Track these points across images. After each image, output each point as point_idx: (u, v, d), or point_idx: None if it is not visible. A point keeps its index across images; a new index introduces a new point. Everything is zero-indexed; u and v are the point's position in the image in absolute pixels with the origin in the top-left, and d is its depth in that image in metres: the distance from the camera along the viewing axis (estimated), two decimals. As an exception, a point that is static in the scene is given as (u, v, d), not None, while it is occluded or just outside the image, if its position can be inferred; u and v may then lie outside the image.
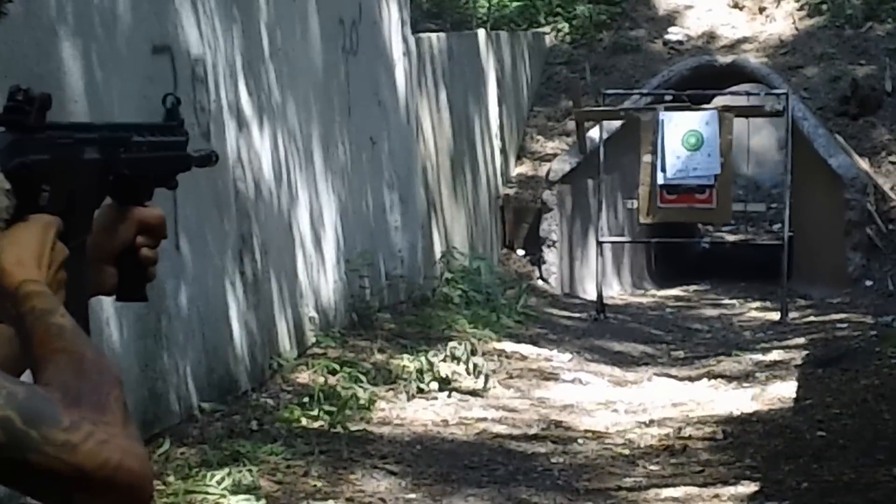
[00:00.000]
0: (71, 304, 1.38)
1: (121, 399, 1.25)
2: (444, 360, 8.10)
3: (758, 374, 8.76)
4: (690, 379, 8.79)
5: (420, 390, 7.60)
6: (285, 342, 7.62)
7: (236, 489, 5.44)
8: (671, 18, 15.27)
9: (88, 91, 5.44)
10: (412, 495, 5.84)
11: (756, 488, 6.00)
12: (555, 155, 13.27)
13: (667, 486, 6.14)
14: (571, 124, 13.11)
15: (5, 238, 1.32)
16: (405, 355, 8.15)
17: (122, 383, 1.28)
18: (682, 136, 11.24)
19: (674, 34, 14.97)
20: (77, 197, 1.44)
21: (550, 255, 12.52)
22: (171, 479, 5.48)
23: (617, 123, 12.40)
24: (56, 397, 1.21)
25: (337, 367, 7.64)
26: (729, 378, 8.74)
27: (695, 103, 11.76)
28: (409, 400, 7.43)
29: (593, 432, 7.13)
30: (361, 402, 7.06)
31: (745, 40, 14.89)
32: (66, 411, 1.21)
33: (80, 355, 1.26)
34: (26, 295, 1.29)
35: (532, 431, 7.08)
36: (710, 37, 15.00)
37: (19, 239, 1.32)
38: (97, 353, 1.28)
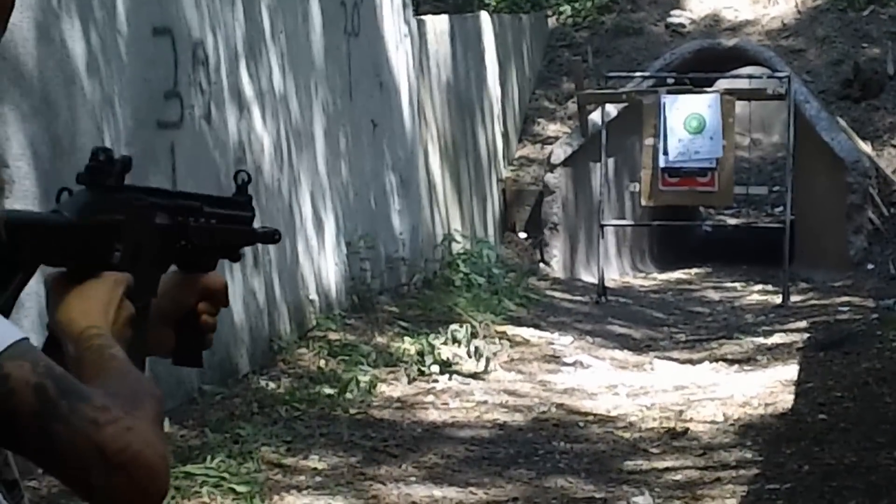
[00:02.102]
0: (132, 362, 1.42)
1: (157, 410, 1.29)
2: (445, 343, 8.09)
3: (759, 358, 8.75)
4: (692, 362, 8.78)
5: (421, 373, 7.60)
6: (286, 325, 7.61)
7: (236, 472, 5.44)
8: (674, 1, 15.22)
9: (89, 72, 5.41)
10: (413, 478, 5.84)
11: (757, 471, 5.99)
12: (557, 138, 13.25)
13: (668, 469, 6.14)
14: (573, 107, 13.07)
15: (76, 291, 1.37)
16: (406, 338, 8.14)
17: (163, 403, 1.32)
18: (684, 119, 11.22)
19: (676, 17, 14.92)
20: (146, 259, 1.48)
21: (552, 238, 12.50)
22: (171, 461, 5.48)
23: (619, 106, 12.37)
24: (95, 388, 1.26)
25: (337, 349, 7.64)
26: (731, 361, 8.73)
27: (697, 86, 11.73)
28: (409, 383, 7.42)
29: (595, 415, 7.12)
30: (362, 384, 7.06)
31: (747, 23, 14.85)
32: (101, 396, 1.25)
33: (127, 371, 1.32)
34: (88, 337, 1.34)
35: (533, 415, 7.08)
36: (713, 20, 14.95)
37: (89, 293, 1.37)
38: (143, 376, 1.34)
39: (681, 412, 7.14)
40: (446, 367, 7.75)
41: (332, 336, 7.92)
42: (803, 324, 9.93)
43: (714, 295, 12.18)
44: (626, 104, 12.13)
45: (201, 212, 1.56)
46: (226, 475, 5.36)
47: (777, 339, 9.42)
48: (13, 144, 4.76)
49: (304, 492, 5.48)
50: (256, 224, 1.67)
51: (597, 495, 5.74)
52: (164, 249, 1.52)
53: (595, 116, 12.26)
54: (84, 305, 1.36)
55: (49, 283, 1.40)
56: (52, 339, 1.40)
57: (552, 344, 9.12)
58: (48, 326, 1.41)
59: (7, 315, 1.32)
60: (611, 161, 12.20)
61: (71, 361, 1.34)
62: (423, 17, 11.09)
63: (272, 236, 1.69)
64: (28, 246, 1.33)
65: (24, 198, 4.84)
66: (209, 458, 5.49)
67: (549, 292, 11.29)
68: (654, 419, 7.02)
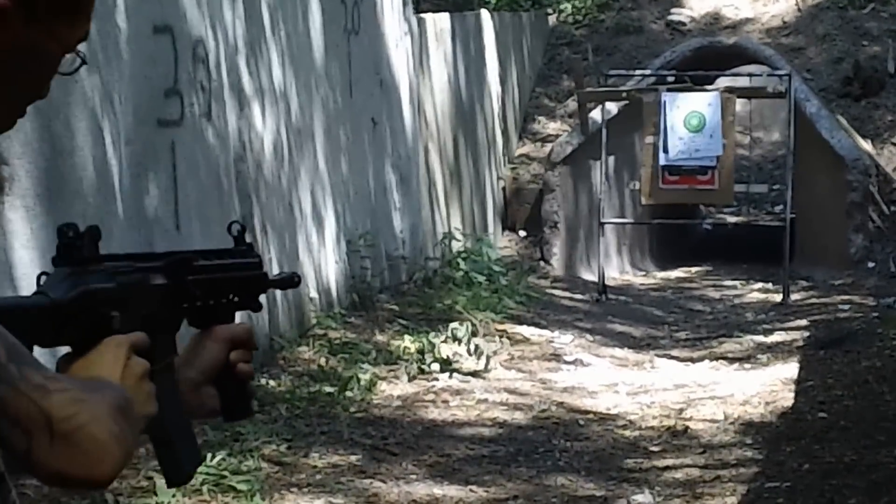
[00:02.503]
0: (169, 422, 1.44)
1: (119, 402, 1.28)
2: (445, 342, 8.09)
3: (759, 356, 8.75)
4: (692, 360, 8.78)
5: (421, 371, 7.59)
6: (286, 323, 7.61)
7: (237, 470, 5.44)
8: (674, -1, 15.22)
9: (90, 70, 5.41)
10: (413, 476, 5.84)
11: (757, 470, 5.99)
12: (557, 136, 13.24)
13: (668, 467, 6.14)
14: (574, 105, 13.07)
15: (80, 363, 1.35)
16: (406, 336, 8.14)
17: (131, 404, 1.31)
18: (684, 117, 11.21)
19: (676, 15, 14.92)
20: (151, 322, 1.45)
21: (552, 237, 12.50)
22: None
23: (619, 104, 12.37)
24: (50, 369, 1.25)
25: (338, 347, 7.64)
26: (731, 360, 8.73)
27: (697, 84, 11.73)
28: (409, 381, 7.42)
29: (595, 413, 7.12)
30: (362, 382, 7.06)
31: (747, 21, 14.84)
32: (53, 373, 1.24)
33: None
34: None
35: (533, 413, 7.07)
36: (713, 18, 14.94)
37: (92, 362, 1.35)
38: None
39: (681, 410, 7.14)
40: (446, 365, 7.75)
41: (333, 334, 7.92)
42: (803, 322, 9.93)
43: (714, 293, 12.18)
44: (626, 102, 12.12)
45: (196, 266, 1.53)
46: (226, 473, 5.36)
47: (777, 337, 9.42)
48: (13, 143, 4.76)
49: (305, 490, 5.48)
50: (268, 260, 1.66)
51: (597, 493, 5.74)
52: (168, 309, 1.49)
53: (595, 114, 12.26)
54: (89, 374, 1.34)
55: (59, 365, 1.39)
56: None
57: (552, 342, 9.12)
58: None
59: None
60: (611, 159, 12.20)
61: None
62: (423, 14, 11.09)
63: (290, 281, 1.69)
64: (18, 332, 1.30)
65: (25, 196, 4.84)
66: (209, 456, 5.48)
67: (549, 290, 11.29)
68: (655, 417, 7.02)
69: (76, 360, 1.36)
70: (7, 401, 1.20)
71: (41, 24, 1.34)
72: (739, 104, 11.53)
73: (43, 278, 1.39)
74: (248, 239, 1.65)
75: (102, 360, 1.36)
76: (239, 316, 1.64)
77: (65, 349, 1.40)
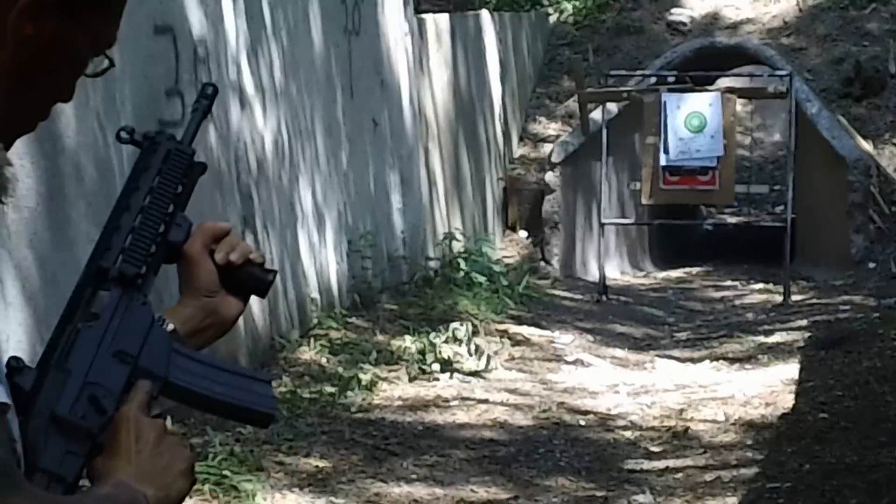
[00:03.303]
0: (217, 395, 1.49)
1: None
2: (445, 342, 8.09)
3: (760, 356, 8.75)
4: (693, 361, 8.78)
5: (422, 371, 7.59)
6: (287, 323, 7.61)
7: (238, 469, 5.44)
8: (674, -1, 15.22)
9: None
10: (414, 476, 5.84)
11: (758, 470, 5.99)
12: (557, 136, 13.24)
13: (669, 468, 6.14)
14: (574, 106, 13.06)
15: (100, 460, 1.37)
16: (407, 336, 8.14)
17: None
18: (685, 117, 11.21)
19: (676, 15, 14.92)
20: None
21: (553, 237, 12.50)
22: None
23: (620, 105, 12.37)
24: (35, 489, 1.27)
25: (339, 348, 7.64)
26: (731, 360, 8.73)
27: (698, 85, 11.72)
28: (410, 381, 7.42)
29: (596, 414, 7.12)
30: (363, 382, 7.06)
31: (748, 21, 14.84)
32: (31, 495, 1.25)
33: None
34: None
35: (534, 413, 7.08)
36: (713, 18, 14.94)
37: (108, 451, 1.37)
38: None
39: (682, 411, 7.14)
40: (447, 365, 7.75)
41: (334, 334, 7.92)
42: (804, 322, 9.93)
43: (715, 294, 12.18)
44: (626, 103, 12.12)
45: (108, 250, 1.48)
46: (227, 473, 5.36)
47: (778, 337, 9.41)
48: (16, 142, 4.76)
49: (306, 490, 5.49)
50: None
51: (598, 494, 5.74)
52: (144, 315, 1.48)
53: (596, 115, 12.26)
54: (108, 464, 1.36)
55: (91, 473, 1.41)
56: None
57: (553, 342, 9.12)
58: None
59: None
60: (611, 160, 12.19)
61: None
62: (423, 15, 11.09)
63: (204, 91, 1.61)
64: None
65: (28, 196, 4.85)
66: (211, 456, 5.49)
67: (549, 291, 11.29)
68: (655, 418, 7.02)
69: (96, 462, 1.37)
70: None
71: (76, 19, 1.32)
72: (740, 105, 11.52)
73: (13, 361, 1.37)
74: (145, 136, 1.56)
75: (112, 450, 1.37)
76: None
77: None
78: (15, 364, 1.37)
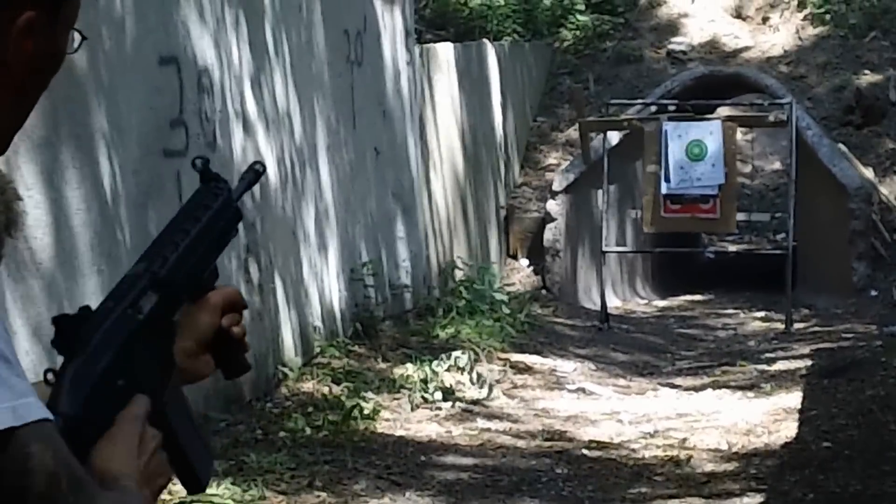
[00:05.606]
0: (182, 438, 1.51)
1: None
2: (447, 370, 8.09)
3: (763, 385, 8.74)
4: (695, 389, 8.77)
5: (424, 400, 7.60)
6: (290, 351, 7.62)
7: (241, 499, 5.44)
8: (674, 28, 15.28)
9: (98, 101, 5.44)
10: (417, 506, 5.83)
11: (761, 500, 5.98)
12: (558, 165, 13.28)
13: (671, 497, 6.13)
14: (575, 134, 13.11)
15: (102, 443, 1.41)
16: (409, 365, 8.14)
17: None
18: (685, 146, 11.24)
19: (676, 44, 14.98)
20: (150, 363, 1.49)
21: (554, 265, 12.51)
22: (176, 487, 5.48)
23: (620, 133, 12.40)
24: (108, 495, 1.33)
25: (341, 376, 7.64)
26: (734, 388, 8.72)
27: (698, 113, 11.76)
28: (412, 410, 7.42)
29: (598, 443, 7.12)
30: (365, 411, 7.06)
31: (748, 50, 14.90)
32: (106, 501, 1.31)
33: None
34: (116, 487, 1.39)
35: (536, 442, 7.07)
36: (713, 47, 15.00)
37: (112, 440, 1.41)
38: None
39: (684, 440, 7.13)
40: (449, 394, 7.75)
41: (336, 363, 7.92)
42: (806, 350, 9.92)
43: (716, 321, 12.18)
44: (627, 131, 12.16)
45: (173, 261, 1.52)
46: (230, 502, 5.36)
47: (780, 366, 9.41)
48: (24, 174, 4.79)
49: (309, 519, 5.48)
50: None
51: (601, 523, 5.74)
52: (162, 325, 1.51)
53: (597, 144, 12.30)
54: (110, 452, 1.40)
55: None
56: None
57: (555, 371, 9.12)
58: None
59: None
60: (612, 188, 12.22)
61: None
62: (425, 45, 11.14)
63: (256, 172, 1.68)
64: None
65: (36, 226, 4.87)
66: (214, 484, 5.48)
67: (551, 319, 11.29)
68: (658, 447, 7.01)
69: (97, 446, 1.41)
70: None
71: (60, 19, 1.36)
72: (740, 133, 11.55)
73: (49, 375, 1.42)
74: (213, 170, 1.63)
75: (123, 441, 1.41)
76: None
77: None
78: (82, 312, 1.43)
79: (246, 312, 1.72)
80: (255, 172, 1.70)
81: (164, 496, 5.21)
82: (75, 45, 1.41)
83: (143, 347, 1.47)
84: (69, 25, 1.38)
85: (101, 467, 1.40)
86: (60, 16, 1.36)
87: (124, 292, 1.48)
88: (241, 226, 1.77)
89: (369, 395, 7.37)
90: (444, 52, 11.30)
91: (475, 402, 7.77)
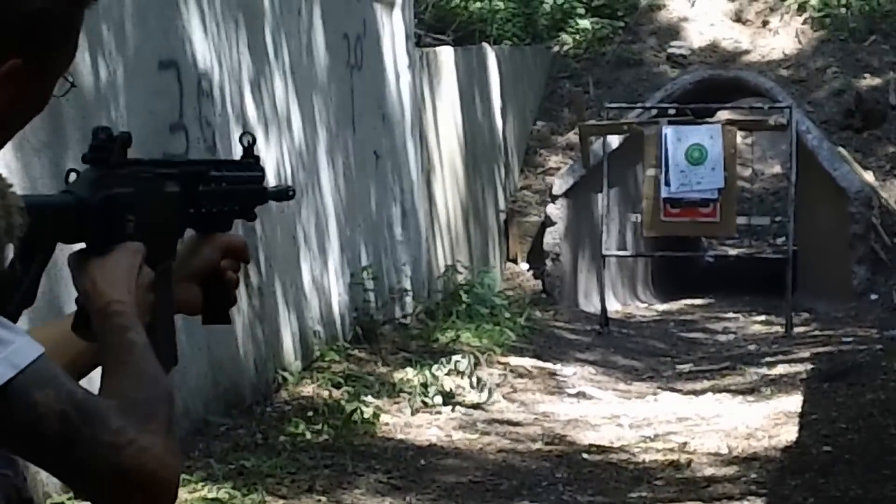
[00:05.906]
0: (160, 323, 1.53)
1: (169, 414, 1.39)
2: (448, 374, 8.09)
3: (763, 389, 8.74)
4: (695, 393, 8.77)
5: (424, 404, 7.59)
6: (290, 355, 7.62)
7: (241, 503, 5.44)
8: (674, 32, 15.29)
9: (98, 105, 5.44)
10: (417, 510, 5.83)
11: None
12: (558, 168, 13.28)
13: (672, 501, 6.12)
14: (575, 138, 13.11)
15: (97, 263, 1.46)
16: (409, 369, 8.14)
17: (174, 401, 1.42)
18: (685, 149, 11.25)
19: (676, 48, 14.99)
20: (160, 226, 1.55)
21: (554, 269, 12.51)
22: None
23: (620, 137, 12.41)
24: (112, 404, 1.36)
25: (341, 380, 7.64)
26: (734, 392, 8.72)
27: (698, 117, 11.77)
28: (413, 414, 7.42)
29: (598, 447, 7.11)
30: (366, 415, 7.05)
31: (747, 54, 14.91)
32: (117, 417, 1.34)
33: (143, 371, 1.41)
34: (112, 313, 1.44)
35: (536, 446, 7.07)
36: (713, 50, 15.01)
37: (111, 264, 1.46)
38: (158, 370, 1.43)
39: (684, 444, 7.13)
40: (449, 398, 7.75)
41: (336, 367, 7.92)
42: (807, 354, 9.92)
43: (717, 325, 12.18)
44: (627, 135, 12.16)
45: (209, 177, 1.62)
46: (230, 507, 5.35)
47: (780, 369, 9.41)
48: (23, 178, 4.79)
49: (309, 524, 5.47)
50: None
51: (601, 527, 5.73)
52: (178, 215, 1.58)
53: (597, 147, 12.30)
54: (106, 276, 1.45)
55: (72, 260, 1.48)
56: (81, 312, 1.49)
57: (555, 374, 9.12)
58: (77, 301, 1.49)
59: (32, 295, 1.43)
60: (612, 192, 12.23)
61: (98, 331, 1.44)
62: (425, 49, 11.14)
63: (286, 193, 1.76)
64: (44, 227, 1.40)
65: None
66: (214, 488, 5.48)
67: (551, 323, 11.29)
68: (658, 450, 7.01)
69: (92, 261, 1.46)
70: (83, 461, 1.33)
71: (48, 71, 1.41)
72: (740, 136, 11.56)
73: (72, 175, 1.48)
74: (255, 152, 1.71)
75: (118, 266, 1.46)
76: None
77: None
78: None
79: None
80: (286, 193, 1.78)
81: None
82: (63, 89, 1.46)
83: (159, 212, 1.54)
84: (58, 74, 1.43)
85: (101, 289, 1.44)
86: (49, 65, 1.40)
87: (159, 164, 1.57)
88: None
89: (369, 399, 7.37)
90: (445, 56, 11.30)
91: (475, 407, 7.77)
